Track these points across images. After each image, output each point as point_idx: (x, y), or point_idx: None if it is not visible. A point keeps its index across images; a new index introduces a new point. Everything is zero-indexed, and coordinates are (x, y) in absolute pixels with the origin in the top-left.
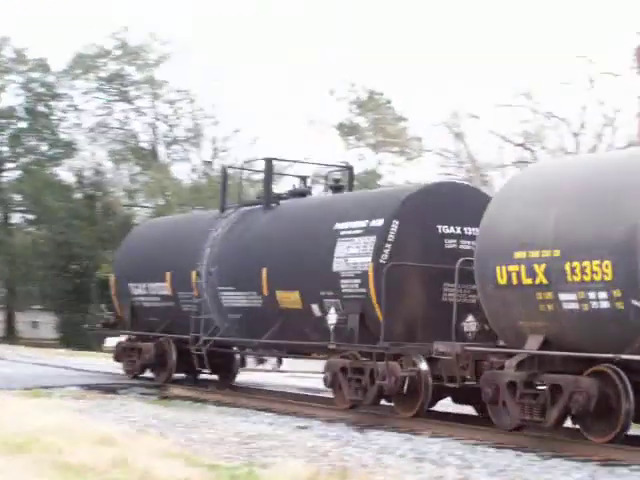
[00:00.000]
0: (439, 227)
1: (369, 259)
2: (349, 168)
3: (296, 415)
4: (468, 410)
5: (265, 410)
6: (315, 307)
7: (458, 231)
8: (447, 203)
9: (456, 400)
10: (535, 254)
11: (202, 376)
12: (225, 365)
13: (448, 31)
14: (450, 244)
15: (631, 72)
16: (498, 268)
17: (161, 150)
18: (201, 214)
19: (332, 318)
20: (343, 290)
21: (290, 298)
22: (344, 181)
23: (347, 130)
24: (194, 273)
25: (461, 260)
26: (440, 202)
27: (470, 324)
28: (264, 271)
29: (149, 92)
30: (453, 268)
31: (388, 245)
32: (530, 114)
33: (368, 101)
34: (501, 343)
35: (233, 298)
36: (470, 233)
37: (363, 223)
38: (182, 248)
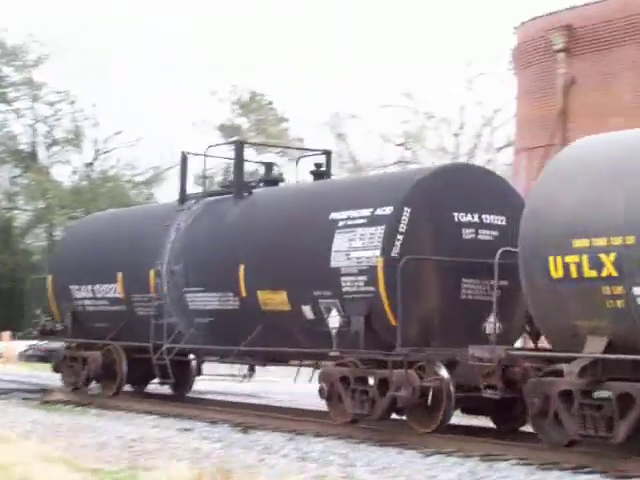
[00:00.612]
0: (455, 215)
1: (377, 253)
2: (327, 153)
3: (180, 417)
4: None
5: (149, 413)
6: (306, 309)
7: (476, 219)
8: (462, 188)
9: (466, 411)
10: (601, 242)
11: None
12: (180, 374)
13: (330, 32)
14: (468, 234)
15: (508, 73)
16: (552, 259)
17: (41, 152)
18: (156, 206)
19: (334, 321)
20: (344, 289)
21: (275, 299)
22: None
23: (229, 131)
24: (152, 272)
25: (501, 251)
26: (455, 187)
27: (492, 325)
28: (241, 269)
29: (28, 93)
30: (475, 261)
31: (400, 236)
32: (411, 114)
33: (250, 102)
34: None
35: (202, 300)
36: (489, 221)
37: (366, 212)
38: (136, 245)
